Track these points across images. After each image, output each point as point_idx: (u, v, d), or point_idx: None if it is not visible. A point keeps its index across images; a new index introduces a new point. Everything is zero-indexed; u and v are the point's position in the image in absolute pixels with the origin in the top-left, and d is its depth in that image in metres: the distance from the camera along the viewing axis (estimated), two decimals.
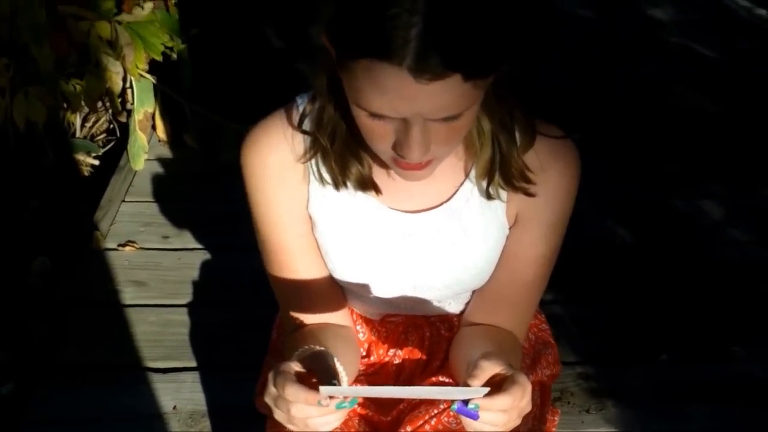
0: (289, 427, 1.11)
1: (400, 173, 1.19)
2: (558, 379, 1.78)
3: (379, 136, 1.12)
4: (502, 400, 1.05)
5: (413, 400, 1.42)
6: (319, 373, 1.13)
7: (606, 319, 2.25)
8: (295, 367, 1.12)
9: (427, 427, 1.36)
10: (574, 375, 2.06)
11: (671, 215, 2.69)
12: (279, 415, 1.10)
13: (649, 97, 3.36)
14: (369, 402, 1.44)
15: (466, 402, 1.05)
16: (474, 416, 1.05)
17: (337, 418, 1.10)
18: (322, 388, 1.02)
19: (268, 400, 1.11)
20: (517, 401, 1.06)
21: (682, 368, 2.10)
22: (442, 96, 1.03)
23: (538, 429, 1.56)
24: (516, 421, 1.09)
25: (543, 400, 1.61)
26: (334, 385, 1.10)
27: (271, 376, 1.10)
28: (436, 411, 1.36)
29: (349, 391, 1.05)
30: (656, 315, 2.27)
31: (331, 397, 1.06)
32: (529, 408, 1.09)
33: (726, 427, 1.97)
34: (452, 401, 1.07)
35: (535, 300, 1.44)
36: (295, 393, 1.06)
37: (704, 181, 2.85)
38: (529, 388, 1.08)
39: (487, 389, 1.05)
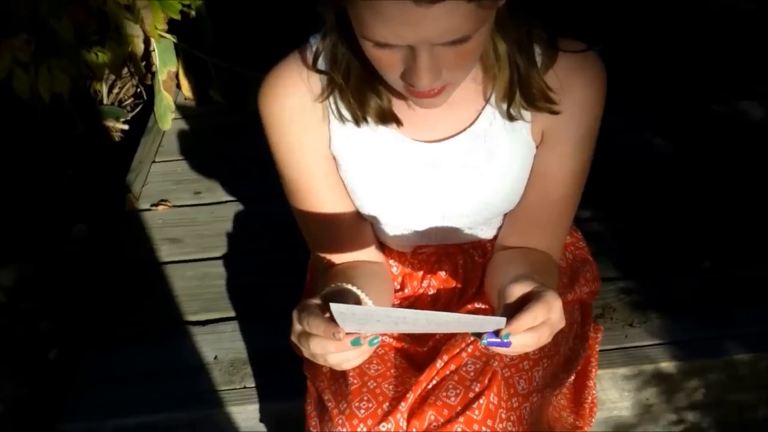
0: (317, 362, 1.11)
1: (415, 101, 1.18)
2: (599, 296, 1.75)
3: (388, 65, 1.10)
4: (526, 320, 1.03)
5: None
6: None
7: (646, 231, 2.19)
8: (317, 301, 1.12)
9: (464, 354, 1.35)
10: (615, 290, 2.01)
11: (711, 119, 2.60)
12: (305, 352, 1.10)
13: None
14: (404, 334, 1.43)
15: (496, 333, 1.03)
16: (507, 345, 1.03)
17: (356, 355, 1.09)
18: (333, 306, 1.00)
19: (293, 337, 1.12)
20: (542, 317, 1.04)
21: (726, 273, 2.04)
22: (445, 19, 1.01)
23: (580, 347, 1.55)
24: (548, 338, 1.06)
25: (584, 319, 1.59)
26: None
27: (295, 313, 1.10)
28: (472, 338, 1.35)
29: (360, 310, 1.02)
30: (697, 222, 2.20)
31: (350, 334, 1.04)
32: (562, 323, 1.07)
33: None
34: (480, 337, 1.04)
35: (568, 218, 1.42)
36: (316, 325, 1.06)
37: (745, 84, 2.75)
38: (556, 303, 1.05)
39: (504, 319, 1.03)
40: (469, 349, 1.35)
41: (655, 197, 2.31)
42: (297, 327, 1.10)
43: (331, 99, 1.28)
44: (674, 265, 2.08)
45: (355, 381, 1.36)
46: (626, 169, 2.37)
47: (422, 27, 1.01)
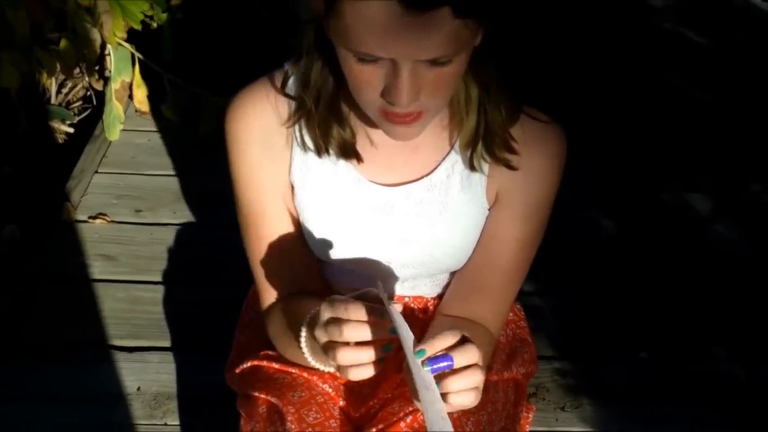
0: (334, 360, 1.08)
1: (389, 130, 1.17)
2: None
3: (367, 82, 1.10)
4: (447, 336, 1.05)
5: (386, 395, 1.39)
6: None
7: (586, 312, 2.20)
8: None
9: (401, 424, 1.32)
10: (550, 370, 2.01)
11: (657, 207, 2.64)
12: (329, 338, 1.07)
13: (639, 83, 3.31)
14: (347, 393, 1.41)
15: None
16: (449, 359, 1.03)
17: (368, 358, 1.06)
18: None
19: (318, 333, 1.09)
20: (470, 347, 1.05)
21: (662, 367, 2.05)
22: (431, 33, 1.02)
23: (511, 428, 1.53)
24: (480, 380, 1.05)
25: (517, 399, 1.58)
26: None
27: (325, 305, 1.08)
28: (411, 408, 1.32)
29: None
30: (638, 310, 2.22)
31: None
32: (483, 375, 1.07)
33: (705, 429, 1.92)
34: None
35: (512, 288, 1.42)
36: (356, 309, 1.05)
37: (693, 174, 2.79)
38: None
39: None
40: (408, 420, 1.32)
41: (597, 278, 2.32)
42: (325, 316, 1.07)
43: (297, 126, 1.28)
44: (611, 352, 2.09)
45: (293, 426, 1.32)
46: (571, 245, 2.37)
47: (407, 38, 1.02)
